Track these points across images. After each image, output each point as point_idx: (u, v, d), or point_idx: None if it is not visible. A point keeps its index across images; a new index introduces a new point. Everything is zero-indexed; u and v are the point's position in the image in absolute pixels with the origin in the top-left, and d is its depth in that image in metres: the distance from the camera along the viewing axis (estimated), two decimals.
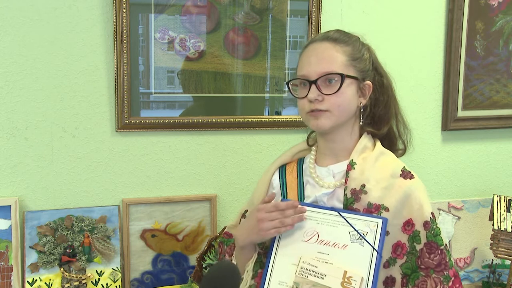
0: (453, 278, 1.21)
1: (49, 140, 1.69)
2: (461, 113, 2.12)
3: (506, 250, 1.90)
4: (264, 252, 1.32)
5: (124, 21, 1.67)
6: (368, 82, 1.29)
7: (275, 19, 1.85)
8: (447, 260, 1.22)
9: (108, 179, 1.76)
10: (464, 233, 2.11)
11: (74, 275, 1.69)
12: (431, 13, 2.06)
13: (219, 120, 1.83)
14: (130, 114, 1.74)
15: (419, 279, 1.21)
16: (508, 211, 1.94)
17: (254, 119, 1.87)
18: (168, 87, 1.79)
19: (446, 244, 1.24)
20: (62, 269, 1.68)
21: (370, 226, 1.19)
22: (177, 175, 1.83)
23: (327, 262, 1.19)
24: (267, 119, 1.88)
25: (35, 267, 1.66)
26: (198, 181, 1.86)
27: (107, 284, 1.73)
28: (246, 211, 1.43)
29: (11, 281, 1.64)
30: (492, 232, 1.93)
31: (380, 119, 1.35)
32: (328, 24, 1.90)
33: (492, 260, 2.08)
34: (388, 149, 1.34)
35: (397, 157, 1.36)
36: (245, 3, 1.81)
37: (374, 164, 1.28)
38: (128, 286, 1.78)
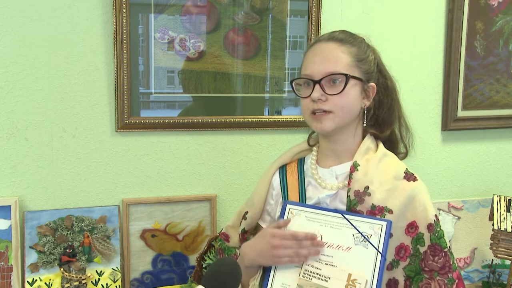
0: (456, 281, 1.21)
1: (49, 140, 1.69)
2: (461, 113, 2.12)
3: (506, 250, 1.90)
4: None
5: (124, 21, 1.67)
6: (372, 84, 1.29)
7: (275, 19, 1.85)
8: (451, 263, 1.22)
9: (108, 179, 1.76)
10: (464, 233, 2.11)
11: (74, 275, 1.68)
12: (431, 13, 2.06)
13: (219, 120, 1.83)
14: (130, 114, 1.74)
15: (423, 281, 1.21)
16: (508, 211, 1.94)
17: (254, 119, 1.87)
18: (168, 87, 1.79)
19: (449, 246, 1.24)
20: (62, 269, 1.68)
21: (374, 228, 1.18)
22: (177, 175, 1.83)
23: (331, 265, 1.18)
24: (267, 119, 1.88)
25: (35, 267, 1.66)
26: (198, 181, 1.86)
27: (107, 284, 1.73)
28: (247, 212, 1.42)
29: (11, 281, 1.64)
30: (492, 232, 1.93)
31: (384, 121, 1.35)
32: (328, 24, 1.90)
33: (492, 260, 2.08)
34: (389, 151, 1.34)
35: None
36: (245, 3, 1.81)
37: (377, 165, 1.27)
38: (128, 286, 1.78)
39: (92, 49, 1.69)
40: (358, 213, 1.23)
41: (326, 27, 1.89)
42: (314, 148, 1.39)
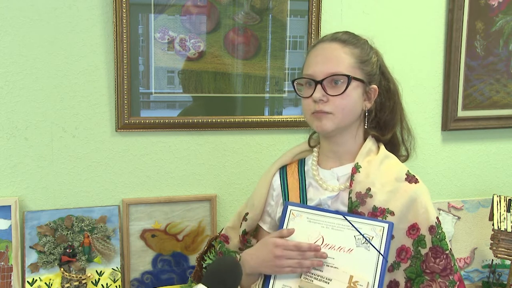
0: (458, 283, 1.21)
1: (49, 140, 1.69)
2: (461, 113, 2.12)
3: (506, 250, 1.90)
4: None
5: (124, 21, 1.67)
6: (374, 86, 1.29)
7: (275, 19, 1.85)
8: (452, 265, 1.22)
9: (108, 179, 1.76)
10: (464, 233, 2.11)
11: (74, 275, 1.68)
12: (431, 13, 2.06)
13: (219, 120, 1.83)
14: (130, 114, 1.73)
15: (424, 283, 1.21)
16: (508, 211, 1.94)
17: (254, 119, 1.87)
18: (168, 87, 1.78)
19: (450, 248, 1.24)
20: (62, 269, 1.68)
21: (376, 230, 1.18)
22: (177, 175, 1.83)
23: (332, 266, 1.18)
24: (267, 119, 1.88)
25: (35, 267, 1.66)
26: (198, 181, 1.86)
27: (107, 284, 1.73)
28: (247, 213, 1.41)
29: (11, 281, 1.64)
30: (492, 232, 1.93)
31: (386, 124, 1.34)
32: (328, 24, 1.90)
33: (492, 260, 2.08)
34: None
35: None
36: (245, 3, 1.81)
37: (379, 167, 1.27)
38: (128, 286, 1.78)
39: (92, 49, 1.69)
40: (360, 215, 1.23)
41: (326, 27, 1.89)
42: (315, 149, 1.39)
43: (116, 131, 1.74)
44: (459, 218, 2.10)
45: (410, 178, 1.26)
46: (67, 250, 1.68)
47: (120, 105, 1.71)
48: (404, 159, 1.39)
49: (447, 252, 1.22)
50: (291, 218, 1.27)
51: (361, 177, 1.25)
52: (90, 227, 1.71)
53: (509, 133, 2.23)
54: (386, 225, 1.18)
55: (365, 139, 1.33)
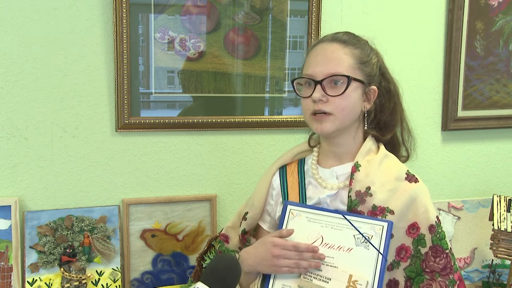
0: (458, 282, 1.21)
1: (49, 140, 1.69)
2: (461, 113, 2.12)
3: (506, 250, 1.90)
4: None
5: (124, 21, 1.67)
6: (374, 87, 1.29)
7: (275, 19, 1.85)
8: (452, 264, 1.22)
9: (108, 179, 1.76)
10: (464, 233, 2.11)
11: (74, 275, 1.68)
12: (431, 13, 2.06)
13: (219, 120, 1.83)
14: (130, 114, 1.73)
15: (424, 282, 1.21)
16: (508, 211, 1.94)
17: (254, 119, 1.87)
18: (168, 87, 1.78)
19: (450, 247, 1.24)
20: (62, 269, 1.68)
21: (375, 229, 1.18)
22: (177, 175, 1.83)
23: (331, 266, 1.18)
24: (267, 119, 1.88)
25: (35, 267, 1.66)
26: (198, 181, 1.86)
27: (107, 284, 1.73)
28: (247, 213, 1.42)
29: (11, 281, 1.64)
30: (492, 232, 1.93)
31: (386, 125, 1.34)
32: (328, 24, 1.90)
33: (492, 260, 2.08)
34: None
35: None
36: (245, 3, 1.81)
37: (378, 166, 1.27)
38: (128, 286, 1.78)
39: (92, 49, 1.69)
40: (359, 214, 1.23)
41: (326, 27, 1.89)
42: (315, 149, 1.39)
43: (116, 131, 1.74)
44: (459, 218, 2.10)
45: (410, 178, 1.26)
46: (67, 250, 1.68)
47: (120, 105, 1.71)
48: (404, 159, 1.39)
49: (447, 251, 1.22)
50: (290, 217, 1.27)
51: (361, 176, 1.25)
52: (90, 227, 1.71)
53: (509, 133, 2.23)
54: (385, 224, 1.18)
55: (364, 139, 1.33)
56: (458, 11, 2.04)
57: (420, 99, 2.09)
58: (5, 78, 1.63)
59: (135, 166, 1.78)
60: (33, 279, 1.66)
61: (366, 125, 1.31)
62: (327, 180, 1.31)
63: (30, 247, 1.66)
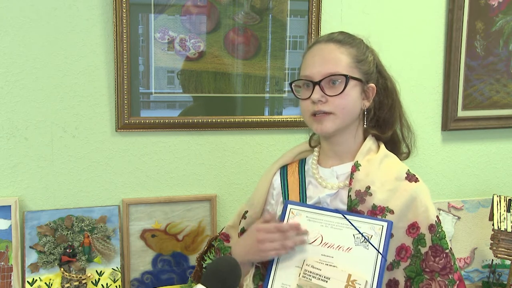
0: (458, 282, 1.21)
1: (49, 140, 1.69)
2: (461, 113, 2.12)
3: (506, 250, 1.90)
4: (263, 265, 1.32)
5: (124, 21, 1.67)
6: (372, 85, 1.29)
7: (275, 19, 1.85)
8: (452, 264, 1.21)
9: (108, 179, 1.76)
10: (464, 233, 2.11)
11: (74, 275, 1.68)
12: (431, 13, 2.06)
13: (219, 120, 1.83)
14: (130, 114, 1.74)
15: (424, 282, 1.21)
16: (508, 211, 1.94)
17: (254, 119, 1.87)
18: (168, 87, 1.78)
19: (450, 247, 1.24)
20: (62, 269, 1.68)
21: (375, 229, 1.18)
22: (177, 175, 1.83)
23: (331, 265, 1.18)
24: (267, 119, 1.88)
25: (35, 267, 1.66)
26: (198, 181, 1.86)
27: (107, 284, 1.73)
28: (247, 211, 1.42)
29: (11, 281, 1.64)
30: (492, 232, 1.93)
31: (385, 122, 1.35)
32: (328, 24, 1.90)
33: (492, 260, 2.08)
34: (391, 152, 1.34)
35: (401, 160, 1.35)
36: (245, 3, 1.81)
37: (378, 166, 1.27)
38: (128, 286, 1.78)
39: (92, 49, 1.69)
40: (359, 213, 1.23)
41: (326, 27, 1.89)
42: (316, 149, 1.39)
43: (116, 131, 1.74)
44: (459, 218, 2.10)
45: (410, 177, 1.26)
46: (67, 250, 1.68)
47: (120, 105, 1.71)
48: (405, 156, 1.39)
49: (447, 251, 1.22)
50: (290, 216, 1.28)
51: (361, 175, 1.26)
52: (90, 227, 1.71)
53: (509, 133, 2.23)
54: (385, 224, 1.18)
55: (365, 138, 1.33)
56: (458, 11, 2.04)
57: (420, 99, 2.09)
58: (5, 78, 1.63)
59: (135, 166, 1.78)
60: (33, 279, 1.66)
61: (365, 123, 1.31)
62: (327, 180, 1.31)
63: (30, 247, 1.66)
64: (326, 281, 1.16)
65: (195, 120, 1.80)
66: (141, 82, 1.75)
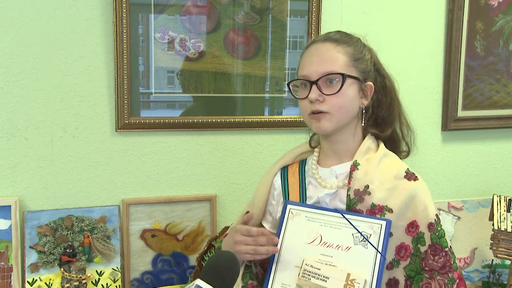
0: (457, 281, 1.20)
1: (49, 140, 1.69)
2: (461, 113, 2.12)
3: (506, 250, 1.90)
4: (259, 264, 1.32)
5: (124, 21, 1.67)
6: (370, 83, 1.29)
7: (275, 19, 1.85)
8: (452, 262, 1.21)
9: (108, 179, 1.76)
10: (464, 233, 2.11)
11: (74, 275, 1.68)
12: (431, 13, 2.06)
13: (219, 120, 1.83)
14: (130, 114, 1.74)
15: (423, 281, 1.21)
16: (508, 211, 1.94)
17: (254, 119, 1.87)
18: (168, 87, 1.79)
19: (450, 246, 1.24)
20: (62, 269, 1.68)
21: (374, 228, 1.18)
22: (177, 175, 1.83)
23: (330, 265, 1.18)
24: (267, 119, 1.88)
25: (35, 267, 1.66)
26: (198, 181, 1.86)
27: (107, 284, 1.73)
28: (247, 212, 1.42)
29: (11, 281, 1.64)
30: (492, 232, 1.93)
31: (384, 121, 1.34)
32: (328, 24, 1.90)
33: (492, 260, 2.08)
34: (391, 151, 1.34)
35: (401, 159, 1.35)
36: (245, 3, 1.81)
37: (377, 165, 1.27)
38: (128, 286, 1.78)
39: (92, 49, 1.69)
40: (358, 212, 1.23)
41: (326, 27, 1.89)
42: (316, 149, 1.39)
43: (116, 131, 1.74)
44: (459, 218, 2.10)
45: (410, 176, 1.26)
46: (67, 250, 1.68)
47: (120, 105, 1.71)
48: (405, 154, 1.39)
49: (447, 249, 1.21)
50: (290, 217, 1.28)
51: (360, 174, 1.26)
52: (90, 227, 1.71)
53: (509, 133, 2.23)
54: (383, 223, 1.18)
55: (364, 137, 1.33)
56: (458, 11, 2.04)
57: (420, 99, 2.09)
58: (5, 78, 1.63)
59: (135, 166, 1.78)
60: (33, 279, 1.66)
61: (363, 122, 1.31)
62: (326, 180, 1.31)
63: (30, 247, 1.66)
64: (325, 281, 1.16)
65: (195, 120, 1.80)
66: (141, 82, 1.75)
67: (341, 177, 1.30)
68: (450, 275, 1.20)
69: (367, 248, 1.17)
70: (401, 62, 2.01)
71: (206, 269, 1.03)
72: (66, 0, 1.65)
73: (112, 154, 1.76)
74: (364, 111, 1.31)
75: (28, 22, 1.62)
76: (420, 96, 2.08)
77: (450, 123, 2.10)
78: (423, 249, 1.22)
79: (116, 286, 1.74)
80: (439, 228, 1.22)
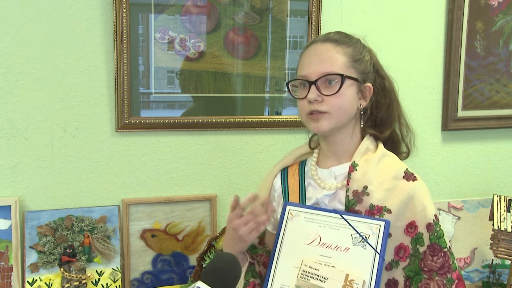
0: (456, 281, 1.20)
1: (49, 140, 1.69)
2: (461, 113, 2.12)
3: (506, 250, 1.90)
4: (260, 261, 1.32)
5: (124, 21, 1.67)
6: (369, 84, 1.29)
7: (275, 19, 1.85)
8: (451, 263, 1.21)
9: (108, 179, 1.76)
10: (464, 233, 2.11)
11: (74, 275, 1.69)
12: (431, 13, 2.06)
13: (219, 120, 1.83)
14: (130, 114, 1.74)
15: (422, 281, 1.21)
16: (508, 211, 1.94)
17: (254, 119, 1.87)
18: (168, 87, 1.79)
19: (449, 246, 1.24)
20: (62, 269, 1.68)
21: (372, 228, 1.18)
22: (177, 175, 1.83)
23: (329, 265, 1.18)
24: (267, 119, 1.88)
25: (35, 267, 1.66)
26: (198, 181, 1.86)
27: (107, 284, 1.73)
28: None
29: (11, 281, 1.64)
30: (492, 232, 1.93)
31: (383, 122, 1.34)
32: (328, 24, 1.90)
33: (492, 260, 2.08)
34: (391, 152, 1.34)
35: (401, 160, 1.35)
36: (245, 3, 1.81)
37: (376, 166, 1.27)
38: (128, 286, 1.78)
39: (92, 49, 1.69)
40: (357, 213, 1.23)
41: (326, 27, 1.89)
42: (316, 150, 1.39)
43: (116, 131, 1.74)
44: (459, 218, 2.10)
45: (408, 176, 1.26)
46: (67, 250, 1.68)
47: (120, 105, 1.71)
48: (405, 155, 1.39)
49: (445, 249, 1.21)
50: (289, 217, 1.28)
51: (358, 175, 1.26)
52: (90, 227, 1.71)
53: (509, 133, 2.23)
54: (382, 223, 1.18)
55: (362, 138, 1.33)
56: (458, 11, 2.04)
57: (420, 99, 2.09)
58: (5, 78, 1.63)
59: (135, 166, 1.78)
60: (33, 279, 1.66)
61: (362, 123, 1.31)
62: (325, 181, 1.31)
63: (30, 247, 1.66)
64: (324, 281, 1.16)
65: (195, 120, 1.80)
66: (141, 82, 1.75)
67: (340, 178, 1.30)
68: (449, 275, 1.20)
69: (365, 248, 1.17)
70: (401, 62, 2.01)
71: (207, 271, 1.03)
72: (66, 0, 1.65)
73: (112, 154, 1.76)
74: (362, 112, 1.31)
75: (28, 22, 1.62)
76: (420, 96, 2.08)
77: (450, 123, 2.10)
78: (422, 249, 1.22)
79: (116, 286, 1.74)
80: (437, 229, 1.22)
